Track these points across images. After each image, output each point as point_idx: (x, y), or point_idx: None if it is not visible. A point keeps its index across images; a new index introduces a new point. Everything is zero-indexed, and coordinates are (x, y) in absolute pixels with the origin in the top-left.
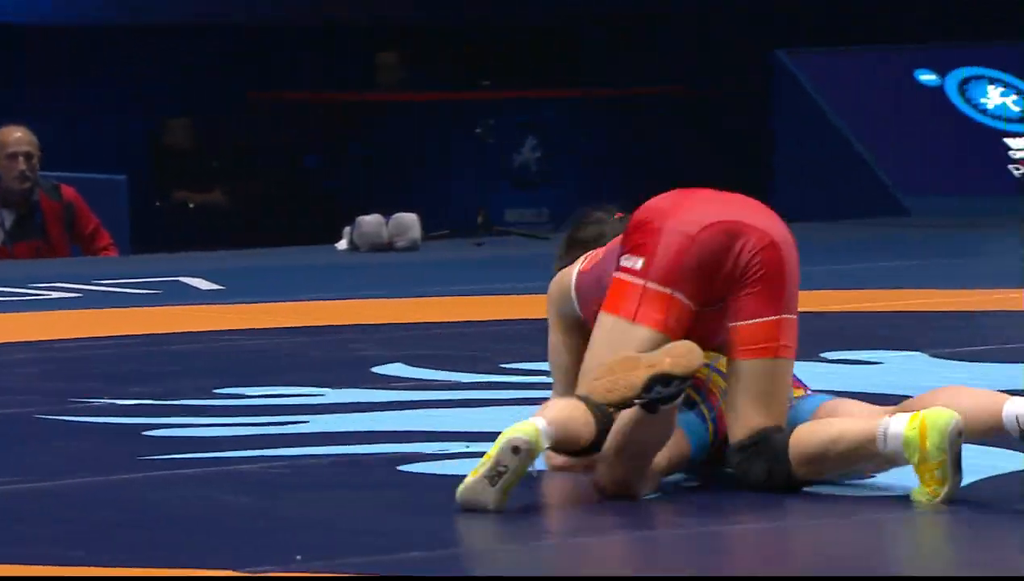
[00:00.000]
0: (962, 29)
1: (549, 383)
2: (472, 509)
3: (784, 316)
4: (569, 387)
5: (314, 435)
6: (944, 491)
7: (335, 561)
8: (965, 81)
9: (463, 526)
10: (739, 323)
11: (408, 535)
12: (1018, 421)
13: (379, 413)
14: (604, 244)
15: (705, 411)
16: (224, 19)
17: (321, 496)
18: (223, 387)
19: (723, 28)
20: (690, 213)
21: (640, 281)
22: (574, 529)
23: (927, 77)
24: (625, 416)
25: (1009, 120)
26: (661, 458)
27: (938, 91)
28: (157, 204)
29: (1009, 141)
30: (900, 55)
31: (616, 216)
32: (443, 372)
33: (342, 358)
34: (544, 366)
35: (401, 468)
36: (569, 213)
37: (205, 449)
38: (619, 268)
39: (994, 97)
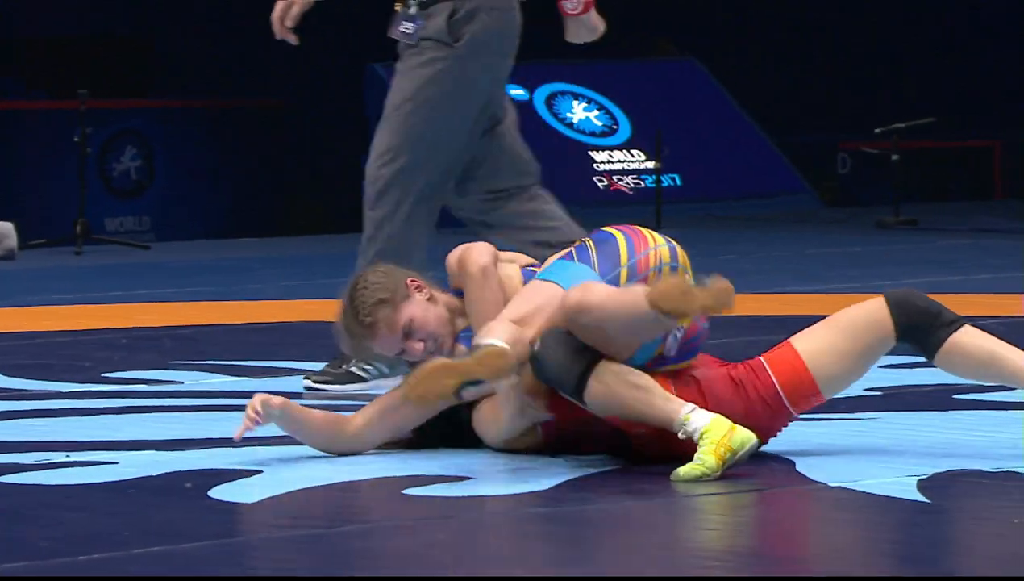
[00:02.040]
0: (547, 46)
1: (152, 392)
2: None
3: None
4: None
5: None
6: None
7: None
8: (552, 96)
9: (66, 537)
10: None
11: (6, 545)
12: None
13: None
14: None
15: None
16: None
17: None
18: None
19: (318, 41)
20: None
21: None
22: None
23: (516, 92)
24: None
25: (593, 134)
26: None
27: (527, 105)
28: None
29: (594, 154)
30: None
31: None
32: (43, 382)
33: None
34: (145, 375)
35: (1, 479)
36: (170, 221)
37: None
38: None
39: (578, 112)
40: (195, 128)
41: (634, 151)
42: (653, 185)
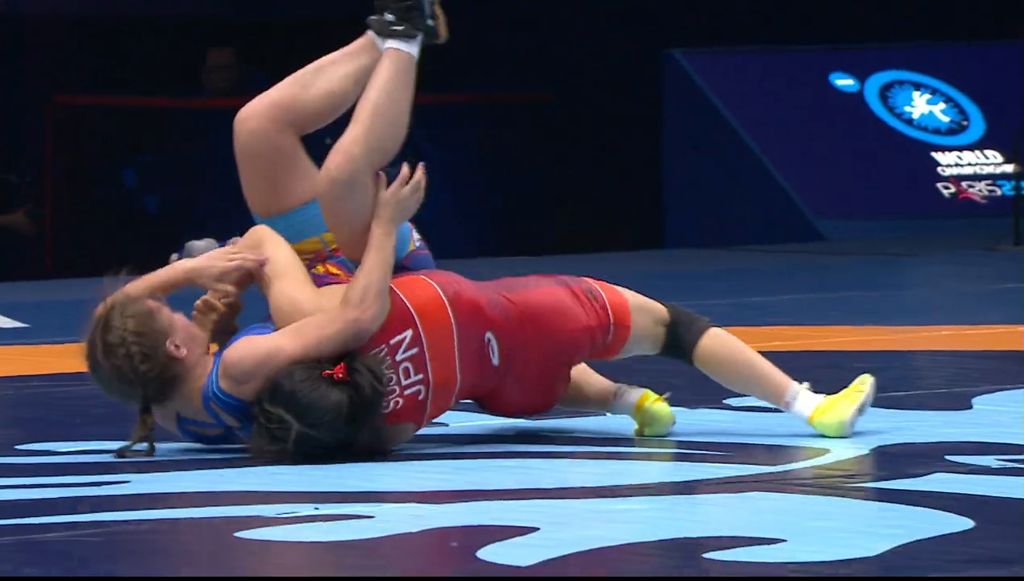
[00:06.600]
0: (883, 28)
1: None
2: None
3: None
4: None
5: (133, 497)
6: None
7: None
8: (887, 87)
9: None
10: None
11: None
12: None
13: (217, 471)
14: None
15: None
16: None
17: (141, 568)
18: (27, 442)
19: (601, 26)
20: None
21: None
22: None
23: (844, 82)
24: None
25: (938, 131)
26: None
27: (857, 98)
28: None
29: (938, 156)
30: (813, 57)
31: None
32: None
33: None
34: None
35: (239, 535)
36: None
37: (5, 516)
38: None
39: (920, 105)
40: (461, 128)
41: (988, 152)
42: (1012, 193)
